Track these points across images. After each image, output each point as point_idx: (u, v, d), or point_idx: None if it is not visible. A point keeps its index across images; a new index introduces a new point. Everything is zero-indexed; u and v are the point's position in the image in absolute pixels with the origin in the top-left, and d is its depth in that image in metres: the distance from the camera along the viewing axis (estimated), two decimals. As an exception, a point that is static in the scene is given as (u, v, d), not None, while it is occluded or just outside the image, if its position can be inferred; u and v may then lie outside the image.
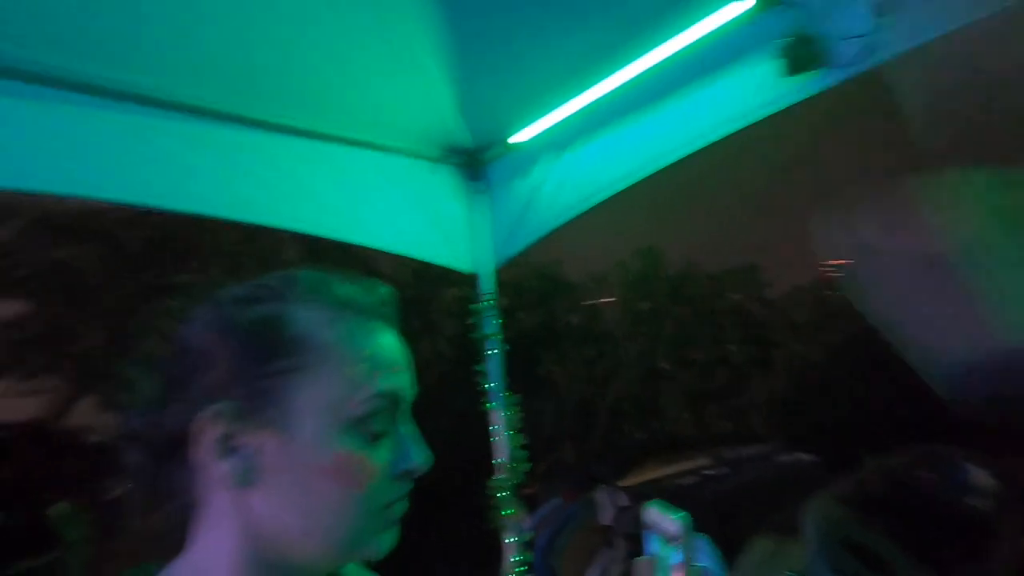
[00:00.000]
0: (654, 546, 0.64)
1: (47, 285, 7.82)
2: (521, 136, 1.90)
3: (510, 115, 1.86)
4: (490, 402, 1.99)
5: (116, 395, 0.56)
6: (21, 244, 8.13)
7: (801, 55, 1.21)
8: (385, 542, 0.54)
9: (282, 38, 1.41)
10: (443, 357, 8.34)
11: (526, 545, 1.93)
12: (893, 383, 7.28)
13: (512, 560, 1.90)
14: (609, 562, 2.90)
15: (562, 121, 1.79)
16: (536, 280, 9.62)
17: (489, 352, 2.01)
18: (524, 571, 1.91)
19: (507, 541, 1.92)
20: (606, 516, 3.12)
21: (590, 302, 11.15)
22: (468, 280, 2.10)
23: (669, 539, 0.62)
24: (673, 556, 0.62)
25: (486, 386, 2.00)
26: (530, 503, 2.46)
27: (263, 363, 0.51)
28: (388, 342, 0.56)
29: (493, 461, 1.97)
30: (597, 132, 1.75)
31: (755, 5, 1.32)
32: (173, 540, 0.54)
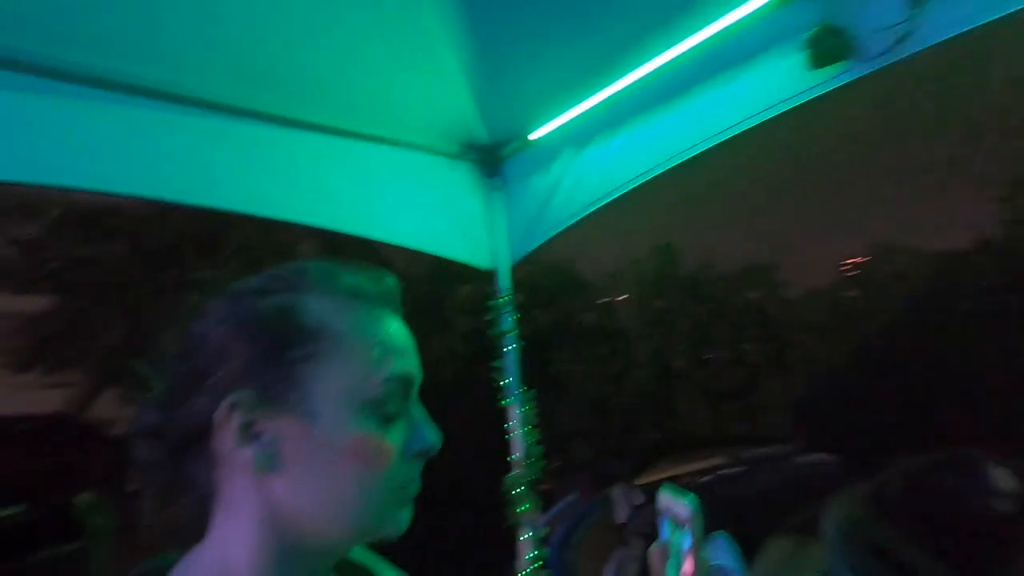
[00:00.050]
0: (666, 532, 0.64)
1: (72, 281, 7.98)
2: (539, 132, 1.89)
3: (528, 111, 1.85)
4: (506, 398, 1.99)
5: (137, 390, 0.57)
6: (47, 241, 8.31)
7: (827, 47, 1.18)
8: (403, 519, 0.57)
9: (300, 33, 1.42)
10: (457, 354, 8.37)
11: (542, 541, 1.93)
12: (913, 384, 7.17)
13: (528, 556, 1.91)
14: (624, 560, 2.89)
15: (581, 116, 1.78)
16: (551, 278, 9.61)
17: (506, 349, 2.01)
18: (540, 567, 1.90)
19: (523, 537, 1.92)
20: (622, 514, 3.12)
21: (605, 300, 11.12)
22: (482, 277, 2.10)
23: (679, 523, 0.62)
24: (684, 541, 0.61)
25: (502, 382, 2.00)
26: (546, 499, 2.46)
27: (279, 352, 0.52)
28: (397, 329, 0.58)
29: (509, 457, 1.98)
30: (617, 128, 1.73)
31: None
32: (192, 530, 0.55)
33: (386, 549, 0.77)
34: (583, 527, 3.32)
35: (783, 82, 1.35)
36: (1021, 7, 1.03)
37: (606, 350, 9.76)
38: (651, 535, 0.66)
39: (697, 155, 1.58)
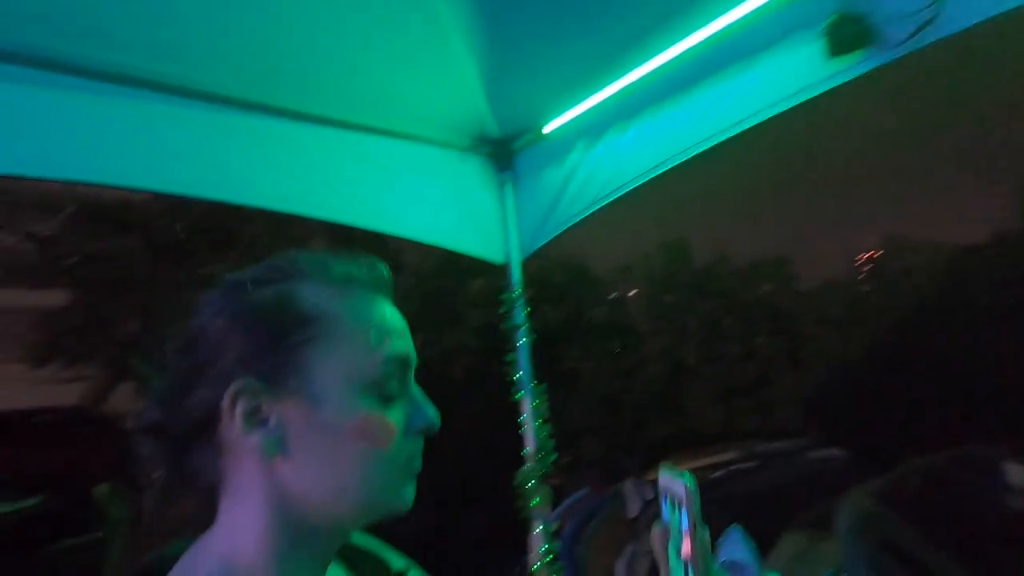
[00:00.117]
0: (666, 512, 0.63)
1: (88, 275, 8.08)
2: (552, 125, 1.88)
3: (540, 104, 1.84)
4: (518, 393, 1.99)
5: (147, 385, 0.58)
6: (64, 236, 8.42)
7: (846, 35, 1.15)
8: (408, 495, 0.58)
9: (311, 27, 1.42)
10: (468, 348, 8.39)
11: (553, 535, 1.94)
12: (927, 379, 7.08)
13: (540, 550, 1.91)
14: (636, 554, 2.89)
15: (593, 109, 1.76)
16: (561, 273, 9.58)
17: (517, 343, 2.01)
18: (551, 561, 1.91)
19: (535, 531, 1.92)
20: (633, 508, 3.12)
21: (616, 295, 11.08)
22: (494, 271, 2.10)
23: (677, 503, 0.61)
24: (683, 521, 0.60)
25: (514, 377, 2.00)
26: (557, 494, 2.47)
27: (279, 339, 0.54)
28: (391, 312, 0.60)
29: (521, 451, 1.98)
30: (629, 120, 1.72)
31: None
32: (201, 520, 0.56)
33: (398, 541, 0.77)
34: (595, 522, 3.32)
35: (799, 72, 1.32)
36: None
37: (617, 345, 9.73)
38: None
39: (710, 148, 1.56)
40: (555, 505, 2.61)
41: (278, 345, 0.54)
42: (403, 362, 0.58)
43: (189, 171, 1.46)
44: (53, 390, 8.41)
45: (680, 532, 0.60)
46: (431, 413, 0.59)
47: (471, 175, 2.01)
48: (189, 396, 0.54)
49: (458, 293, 8.77)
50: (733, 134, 1.49)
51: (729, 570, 0.58)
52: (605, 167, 1.81)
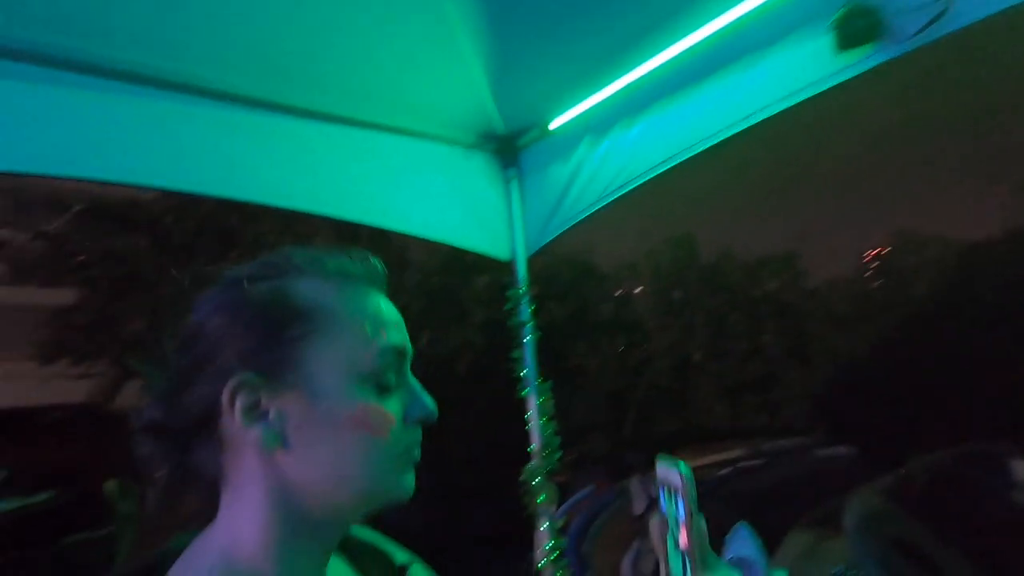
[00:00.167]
0: (663, 502, 0.62)
1: (96, 273, 8.14)
2: (558, 121, 1.87)
3: (546, 100, 1.83)
4: (523, 389, 1.99)
5: (147, 383, 0.59)
6: (74, 234, 8.48)
7: (855, 29, 1.14)
8: (408, 483, 0.59)
9: (317, 24, 1.42)
10: (473, 345, 8.39)
11: (559, 532, 1.94)
12: (936, 377, 7.04)
13: (545, 546, 1.91)
14: (642, 551, 2.89)
15: (599, 105, 1.76)
16: (567, 269, 9.57)
17: (523, 339, 2.01)
18: (557, 557, 1.91)
19: (540, 527, 1.93)
20: (639, 505, 3.12)
21: (622, 292, 11.06)
22: (499, 268, 2.10)
23: (673, 492, 0.61)
24: (679, 510, 0.59)
25: (520, 373, 2.00)
26: (562, 491, 2.47)
27: (276, 334, 0.55)
28: (385, 305, 0.61)
29: (527, 448, 1.98)
30: (635, 116, 1.70)
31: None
32: (205, 514, 0.57)
33: (404, 537, 0.77)
34: (600, 518, 3.32)
35: (807, 66, 1.31)
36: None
37: (623, 341, 9.72)
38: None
39: (717, 144, 1.55)
40: (561, 502, 2.62)
41: (276, 340, 0.54)
42: (399, 353, 0.59)
43: (196, 168, 1.46)
44: (63, 387, 8.49)
45: (677, 522, 0.59)
46: (429, 403, 0.60)
47: (476, 172, 2.00)
48: (189, 393, 0.55)
49: (463, 290, 8.77)
50: (740, 130, 1.48)
51: (737, 567, 0.57)
52: (611, 163, 1.80)
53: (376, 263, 0.62)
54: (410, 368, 0.62)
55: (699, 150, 1.58)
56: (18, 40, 1.20)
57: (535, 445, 1.96)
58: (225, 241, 7.78)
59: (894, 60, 1.18)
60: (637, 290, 11.07)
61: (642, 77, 1.62)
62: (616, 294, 11.08)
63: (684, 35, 1.47)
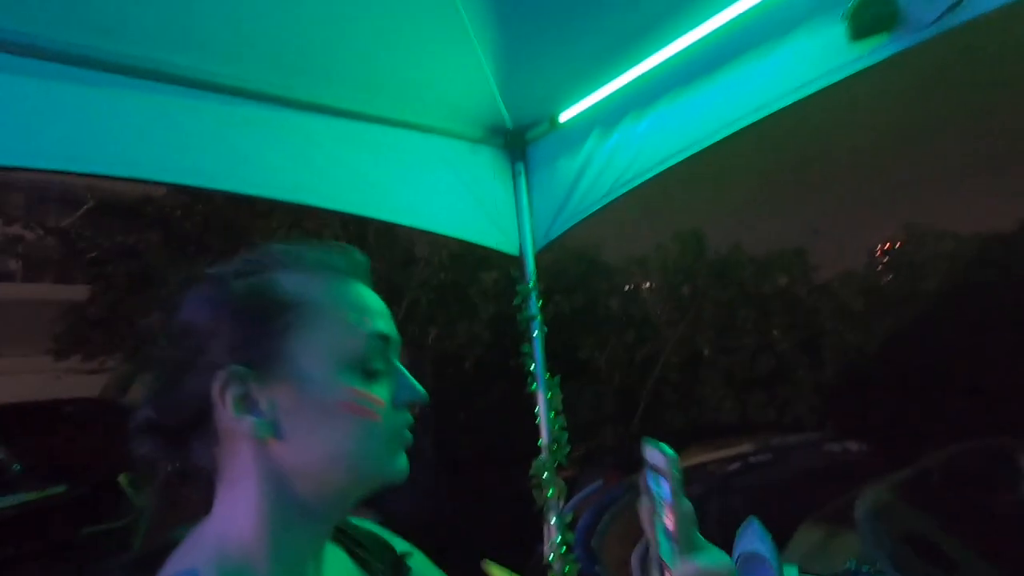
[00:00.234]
0: (651, 485, 0.62)
1: (108, 269, 8.22)
2: (566, 115, 1.86)
3: (554, 94, 1.82)
4: (532, 384, 1.99)
5: (140, 383, 0.60)
6: (88, 230, 8.56)
7: (869, 18, 1.11)
8: (400, 464, 0.60)
9: (325, 19, 1.42)
10: (482, 340, 8.40)
11: (568, 526, 1.94)
12: (947, 372, 6.97)
13: (554, 541, 1.91)
14: (650, 546, 2.89)
15: (608, 98, 1.74)
16: (575, 264, 9.54)
17: (532, 334, 2.01)
18: (566, 552, 1.91)
19: (549, 522, 1.93)
20: (648, 500, 3.11)
21: (630, 286, 11.01)
22: (508, 263, 2.10)
23: (658, 474, 0.60)
24: (664, 492, 0.59)
25: (529, 368, 2.00)
26: (572, 485, 2.47)
27: (262, 327, 0.56)
28: (368, 294, 0.62)
29: (535, 442, 1.98)
30: (645, 109, 1.69)
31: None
32: (203, 507, 0.58)
33: (412, 531, 0.77)
34: (609, 513, 3.32)
35: (819, 57, 1.29)
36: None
37: (632, 336, 9.69)
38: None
39: (727, 137, 1.53)
40: (569, 496, 2.62)
41: (262, 333, 0.56)
42: (384, 339, 0.60)
43: (205, 163, 1.47)
44: (77, 381, 8.60)
45: (663, 504, 0.59)
46: (417, 387, 0.61)
47: (485, 166, 2.00)
48: (180, 390, 0.56)
49: (472, 285, 8.77)
50: (751, 122, 1.46)
51: (748, 562, 0.57)
52: (620, 157, 1.79)
53: (358, 255, 0.63)
54: (398, 356, 0.63)
55: (709, 143, 1.56)
56: (28, 36, 1.21)
57: (544, 440, 1.96)
58: (235, 237, 7.82)
59: (906, 53, 1.16)
60: (646, 285, 11.02)
61: (651, 69, 1.60)
62: (625, 289, 11.04)
63: (694, 26, 1.46)
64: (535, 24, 1.55)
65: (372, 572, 0.67)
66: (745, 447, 4.76)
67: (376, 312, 0.61)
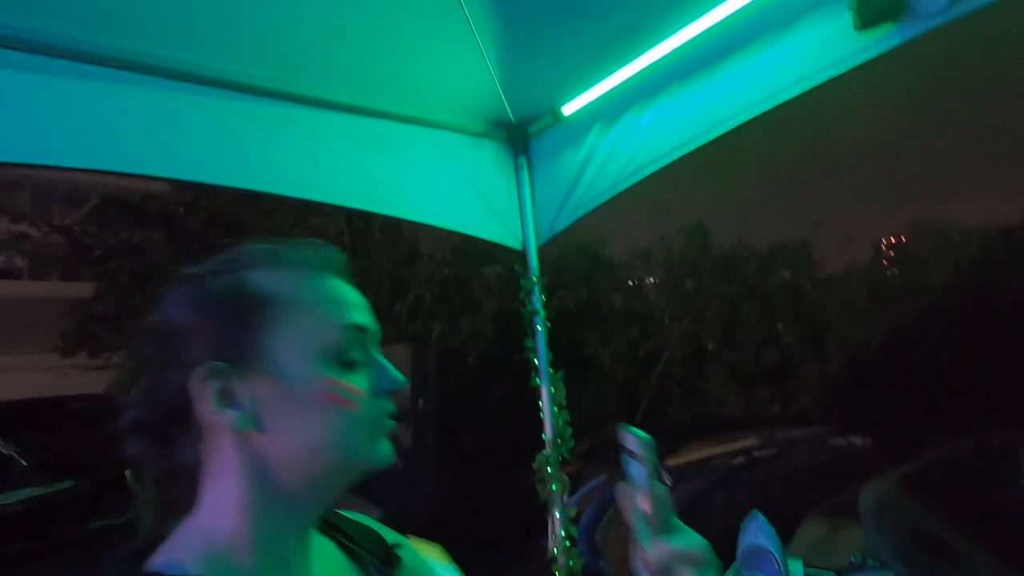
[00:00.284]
0: (628, 469, 0.62)
1: (113, 266, 8.25)
2: (569, 108, 1.86)
3: (556, 88, 1.82)
4: (536, 379, 1.99)
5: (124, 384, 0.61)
6: (93, 227, 8.59)
7: (875, 6, 1.10)
8: (383, 450, 0.61)
9: (328, 14, 1.42)
10: (485, 335, 8.41)
11: (571, 521, 1.94)
12: (952, 366, 6.95)
13: (558, 535, 1.92)
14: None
15: (611, 91, 1.74)
16: (579, 258, 9.53)
17: (535, 329, 2.01)
18: (569, 546, 1.92)
19: (553, 517, 1.93)
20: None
21: (634, 281, 11.00)
22: (511, 257, 2.10)
23: (633, 458, 0.61)
24: (639, 476, 0.60)
25: (532, 363, 2.00)
26: (575, 480, 2.47)
27: (238, 322, 0.57)
28: (344, 288, 0.63)
29: (539, 437, 1.98)
30: (648, 102, 1.68)
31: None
32: (188, 504, 0.59)
33: (416, 526, 0.78)
34: (613, 508, 3.33)
35: (824, 48, 1.27)
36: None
37: (636, 331, 9.68)
38: (681, 516, 0.65)
39: (731, 130, 1.52)
40: (573, 491, 2.62)
41: (239, 328, 0.57)
42: (360, 330, 0.61)
43: (209, 159, 1.47)
44: (82, 378, 8.65)
45: (639, 488, 0.60)
46: (396, 375, 0.63)
47: (488, 160, 2.00)
48: (162, 388, 0.57)
49: (475, 280, 8.77)
50: (755, 115, 1.45)
51: (752, 556, 0.57)
52: (623, 151, 1.78)
53: (332, 251, 0.65)
54: (378, 346, 0.64)
55: (713, 136, 1.55)
56: (34, 33, 1.21)
57: (547, 435, 1.96)
58: (239, 234, 7.84)
59: (910, 46, 1.15)
60: (650, 280, 11.00)
61: (654, 62, 1.59)
62: (629, 283, 11.03)
63: (697, 18, 1.44)
64: (537, 18, 1.54)
65: (362, 563, 0.68)
66: (749, 441, 4.76)
67: (352, 304, 0.62)
